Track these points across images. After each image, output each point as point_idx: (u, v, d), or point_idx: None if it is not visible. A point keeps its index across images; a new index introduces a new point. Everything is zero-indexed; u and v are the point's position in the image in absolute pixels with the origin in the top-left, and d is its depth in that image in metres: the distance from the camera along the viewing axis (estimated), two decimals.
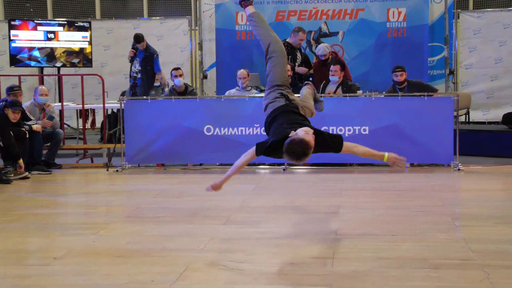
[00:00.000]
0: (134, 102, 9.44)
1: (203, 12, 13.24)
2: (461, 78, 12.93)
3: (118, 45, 13.73)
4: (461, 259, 4.51)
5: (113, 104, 11.18)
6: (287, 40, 10.30)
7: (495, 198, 6.85)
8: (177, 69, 9.84)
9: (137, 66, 11.08)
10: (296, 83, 9.73)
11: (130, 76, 11.14)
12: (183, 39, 13.38)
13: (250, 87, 9.86)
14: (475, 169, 8.76)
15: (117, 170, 9.11)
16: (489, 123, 12.60)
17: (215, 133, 9.04)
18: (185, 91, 9.76)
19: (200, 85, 13.19)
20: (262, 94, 9.66)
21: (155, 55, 11.16)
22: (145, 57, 11.07)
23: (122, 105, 9.22)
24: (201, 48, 13.15)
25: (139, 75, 11.05)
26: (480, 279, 4.04)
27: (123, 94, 11.79)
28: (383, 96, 9.10)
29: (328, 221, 5.76)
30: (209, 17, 13.09)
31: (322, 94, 9.13)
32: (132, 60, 11.10)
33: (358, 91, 9.61)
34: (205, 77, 13.15)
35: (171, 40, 13.13)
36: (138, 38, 10.98)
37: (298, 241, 5.10)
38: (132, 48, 11.11)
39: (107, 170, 9.21)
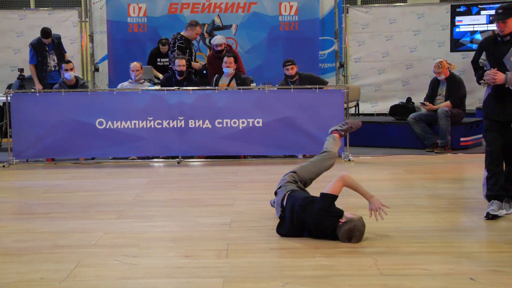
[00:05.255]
0: (21, 95, 9.14)
1: (94, 3, 12.92)
2: (350, 71, 13.26)
3: (3, 37, 13.11)
4: (352, 247, 4.65)
5: None
6: (181, 33, 10.22)
7: (383, 187, 7.08)
8: (67, 62, 9.57)
9: (55, 59, 10.71)
10: (191, 78, 9.70)
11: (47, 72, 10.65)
12: (73, 31, 12.98)
13: (143, 80, 9.75)
14: (365, 159, 9.04)
15: (3, 166, 8.77)
16: (378, 114, 12.99)
17: (107, 127, 8.88)
18: (76, 84, 9.52)
19: (91, 78, 12.87)
20: (156, 87, 9.66)
21: (60, 38, 10.95)
22: (56, 45, 10.74)
23: (9, 98, 8.90)
24: (92, 41, 12.84)
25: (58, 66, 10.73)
26: (369, 266, 4.18)
27: (9, 87, 11.36)
28: (276, 89, 9.22)
29: (223, 214, 5.78)
30: (100, 9, 12.80)
31: (216, 87, 9.17)
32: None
33: (251, 84, 9.70)
34: (96, 69, 12.86)
35: (60, 32, 12.64)
36: (47, 33, 10.59)
37: (193, 234, 5.10)
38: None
39: None
